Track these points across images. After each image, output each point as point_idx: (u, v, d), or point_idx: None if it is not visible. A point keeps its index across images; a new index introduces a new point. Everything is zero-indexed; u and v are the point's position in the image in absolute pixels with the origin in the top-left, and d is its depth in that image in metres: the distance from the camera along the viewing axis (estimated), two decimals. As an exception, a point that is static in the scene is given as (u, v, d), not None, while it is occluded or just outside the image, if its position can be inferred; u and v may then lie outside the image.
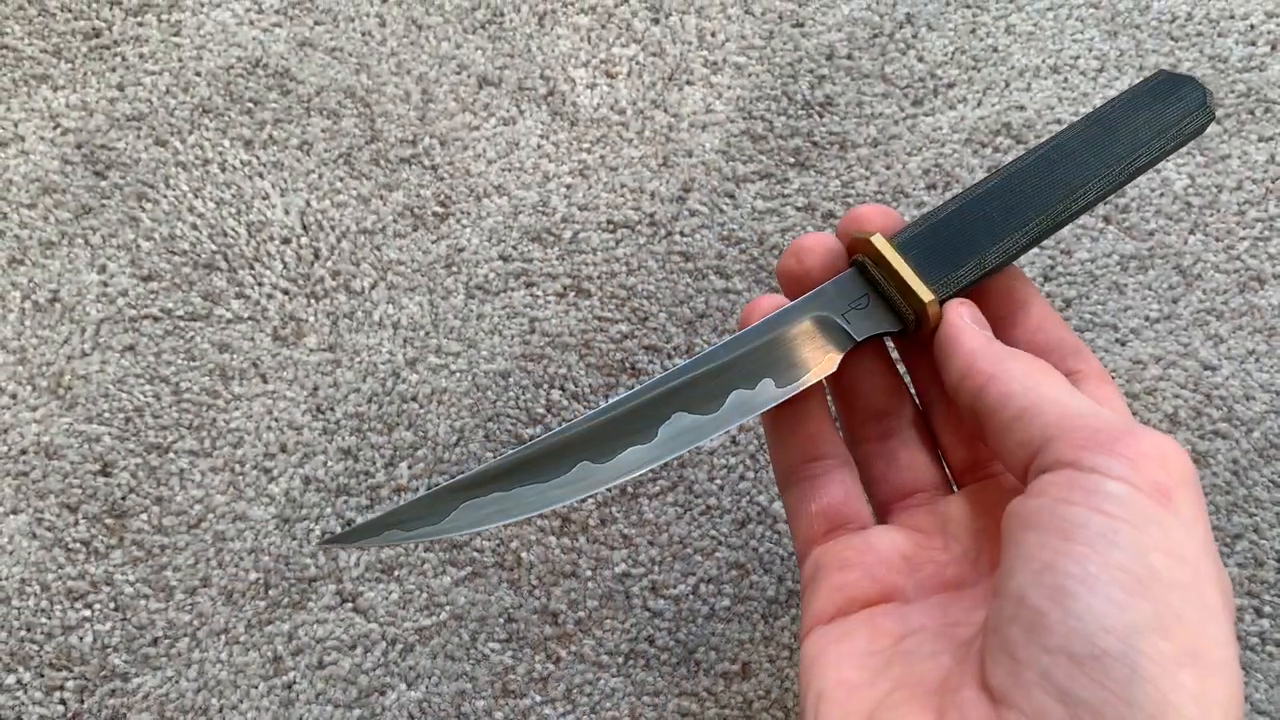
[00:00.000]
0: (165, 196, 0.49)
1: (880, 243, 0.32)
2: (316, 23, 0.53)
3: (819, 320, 0.32)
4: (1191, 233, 0.48)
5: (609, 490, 0.44)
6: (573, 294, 0.48)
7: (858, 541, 0.31)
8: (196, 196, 0.49)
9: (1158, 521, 0.24)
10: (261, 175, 0.50)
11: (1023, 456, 0.27)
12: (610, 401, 0.31)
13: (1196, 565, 0.24)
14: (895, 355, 0.35)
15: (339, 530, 0.44)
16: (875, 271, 0.32)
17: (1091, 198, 0.33)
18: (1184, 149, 0.49)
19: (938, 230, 0.32)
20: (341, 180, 0.50)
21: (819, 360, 0.32)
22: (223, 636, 0.42)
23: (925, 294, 0.31)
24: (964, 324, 0.31)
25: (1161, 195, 0.49)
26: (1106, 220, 0.48)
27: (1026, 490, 0.26)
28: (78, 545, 0.44)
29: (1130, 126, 0.33)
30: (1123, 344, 0.46)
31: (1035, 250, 0.48)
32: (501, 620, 0.43)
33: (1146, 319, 0.47)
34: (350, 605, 0.43)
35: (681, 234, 0.49)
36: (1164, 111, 0.33)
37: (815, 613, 0.30)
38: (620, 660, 0.42)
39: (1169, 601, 0.23)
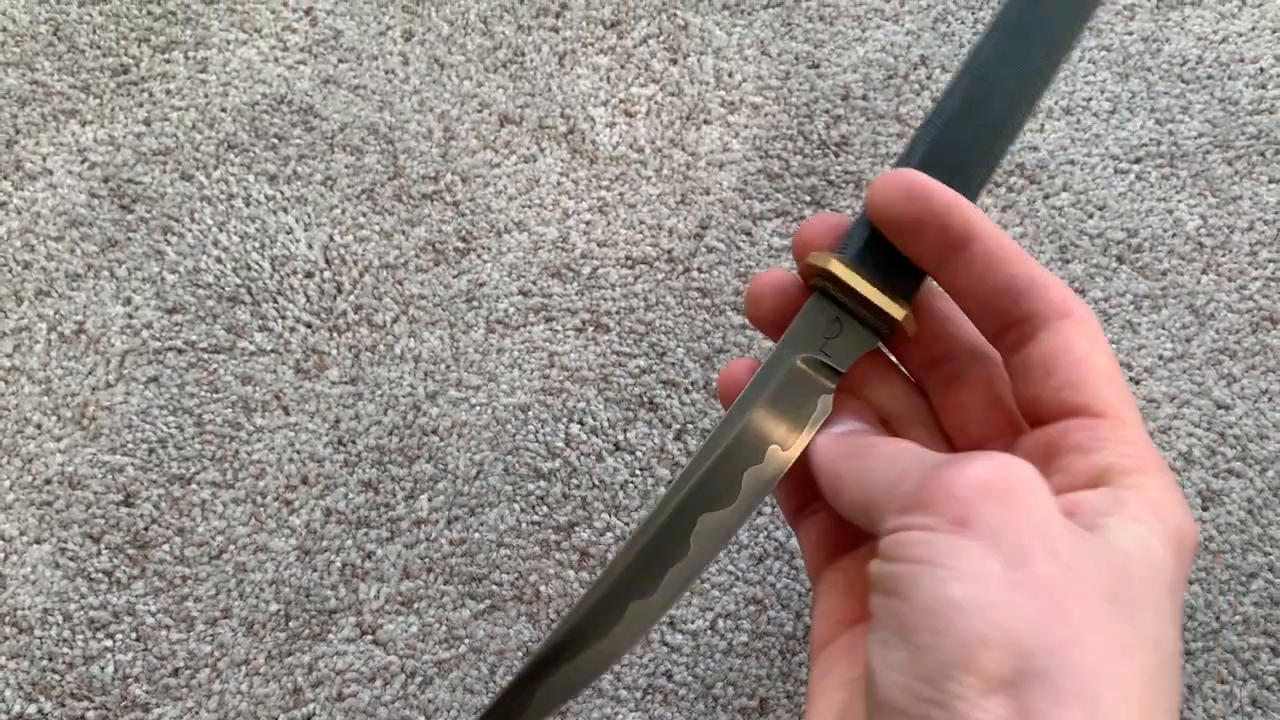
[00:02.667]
0: (190, 230, 0.50)
1: (836, 267, 0.30)
2: (340, 60, 0.54)
3: (799, 365, 0.31)
4: (1204, 273, 0.49)
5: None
6: (591, 329, 0.48)
7: (846, 565, 0.32)
8: (221, 230, 0.50)
9: (955, 551, 0.23)
10: (285, 210, 0.51)
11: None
12: (635, 530, 0.31)
13: (1011, 576, 0.23)
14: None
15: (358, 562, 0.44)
16: (838, 293, 0.30)
17: (1024, 121, 0.30)
18: (1196, 190, 0.50)
19: None
20: (364, 215, 0.50)
21: (813, 406, 0.31)
22: (243, 668, 0.43)
23: (896, 311, 0.29)
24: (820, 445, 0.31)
25: (1174, 236, 0.49)
26: (1120, 260, 0.49)
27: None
28: (100, 575, 0.44)
29: (1040, 22, 0.30)
30: (1137, 383, 0.47)
31: (1049, 289, 0.48)
32: (520, 654, 0.43)
33: (1160, 358, 0.47)
34: (370, 638, 0.43)
35: (699, 270, 0.49)
36: None
37: (815, 643, 0.31)
38: (638, 695, 0.43)
39: (975, 630, 0.22)
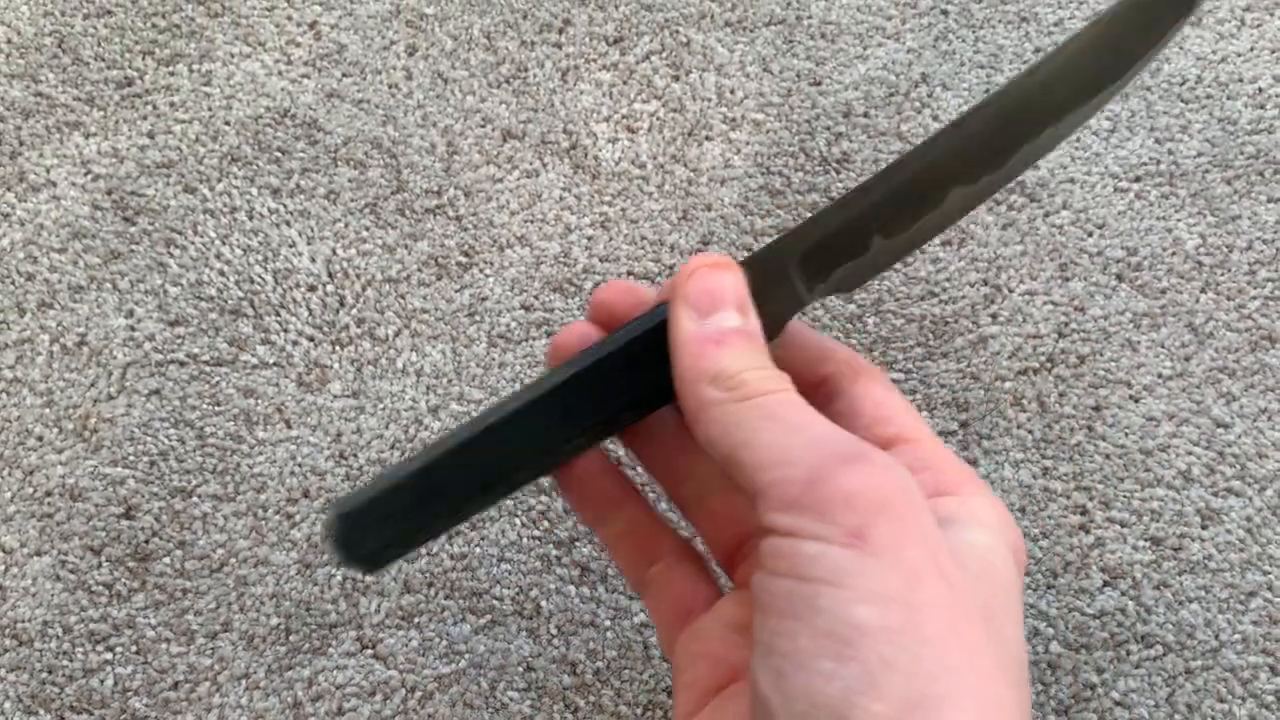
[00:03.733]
0: (193, 243, 0.50)
1: None
2: (344, 75, 0.54)
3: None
4: (1203, 291, 0.49)
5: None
6: (593, 344, 0.48)
7: (702, 627, 0.30)
8: (224, 243, 0.50)
9: (855, 569, 0.22)
10: (288, 223, 0.51)
11: (747, 497, 0.25)
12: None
13: (908, 599, 0.22)
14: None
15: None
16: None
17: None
18: (1195, 209, 0.50)
19: None
20: (367, 229, 0.51)
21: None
22: (243, 681, 0.43)
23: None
24: (682, 316, 0.27)
25: (1173, 254, 0.50)
26: (1119, 278, 0.49)
27: (758, 558, 0.24)
28: (100, 588, 0.44)
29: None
30: (1136, 401, 0.47)
31: (1049, 307, 0.48)
32: (520, 669, 0.43)
33: (1159, 376, 0.47)
34: (370, 652, 0.43)
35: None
36: None
37: (680, 716, 0.29)
38: (639, 711, 0.43)
39: (880, 654, 0.21)
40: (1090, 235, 0.50)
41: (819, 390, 0.30)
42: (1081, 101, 0.28)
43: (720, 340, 0.26)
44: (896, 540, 0.22)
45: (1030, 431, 0.46)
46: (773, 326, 0.28)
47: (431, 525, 0.31)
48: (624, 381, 0.30)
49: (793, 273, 0.29)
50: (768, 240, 0.50)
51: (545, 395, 0.31)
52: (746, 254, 0.50)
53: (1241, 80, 0.54)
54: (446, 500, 0.31)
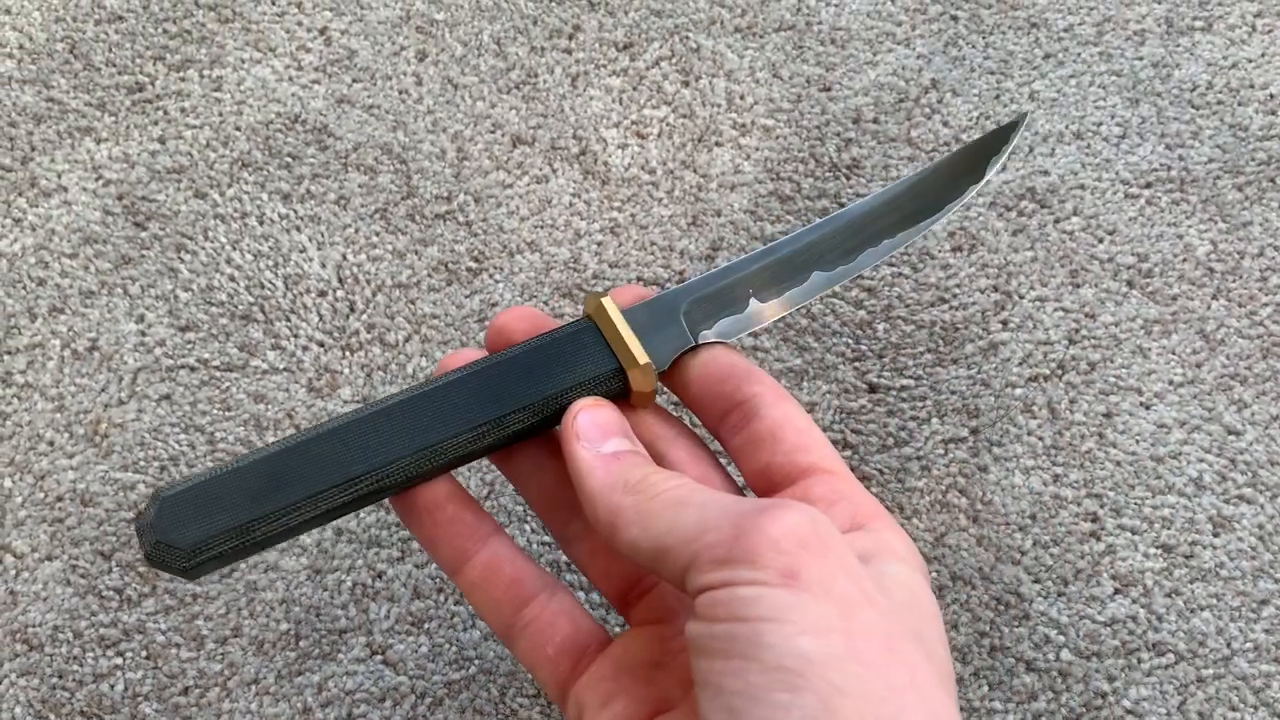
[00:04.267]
0: (204, 248, 0.50)
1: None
2: (354, 80, 0.54)
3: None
4: (1214, 298, 0.49)
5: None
6: (603, 350, 0.48)
7: (606, 666, 0.31)
8: (234, 249, 0.50)
9: (793, 604, 0.23)
10: (299, 229, 0.51)
11: (675, 582, 0.26)
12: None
13: (846, 627, 0.23)
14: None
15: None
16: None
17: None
18: (1206, 215, 0.50)
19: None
20: (378, 235, 0.51)
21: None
22: (253, 687, 0.43)
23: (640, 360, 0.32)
24: (578, 447, 0.30)
25: (1184, 261, 0.50)
26: (1130, 285, 0.49)
27: (692, 612, 0.25)
28: (111, 593, 0.44)
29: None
30: (1147, 408, 0.47)
31: (1060, 314, 0.48)
32: (530, 676, 0.43)
33: (1170, 383, 0.47)
34: (380, 658, 0.43)
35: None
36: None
37: None
38: (648, 717, 0.43)
39: (829, 681, 0.22)
40: (1101, 241, 0.50)
41: (740, 409, 0.32)
42: (906, 227, 0.36)
43: (619, 458, 0.29)
44: (826, 574, 0.24)
45: (1041, 438, 0.46)
46: (663, 359, 0.32)
47: (263, 525, 0.29)
48: (471, 400, 0.31)
49: (682, 317, 0.33)
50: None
51: (389, 407, 0.31)
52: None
53: (1253, 86, 0.54)
54: (280, 499, 0.29)
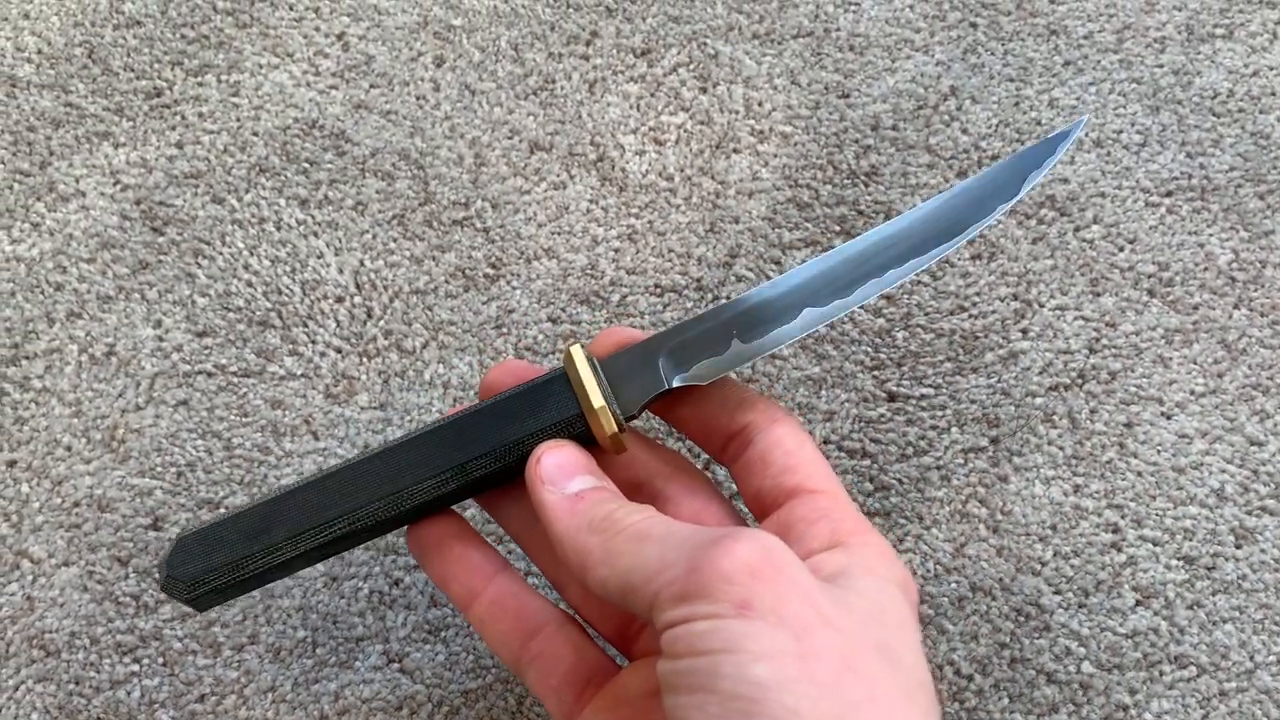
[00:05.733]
0: (221, 254, 0.50)
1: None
2: (372, 86, 0.54)
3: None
4: (1236, 307, 0.48)
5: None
6: (620, 357, 0.48)
7: (608, 698, 0.32)
8: (252, 254, 0.50)
9: (747, 634, 0.24)
10: (316, 234, 0.51)
11: (646, 618, 0.27)
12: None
13: (799, 650, 0.24)
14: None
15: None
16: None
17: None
18: (1227, 224, 0.50)
19: None
20: (395, 241, 0.51)
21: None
22: (269, 694, 0.43)
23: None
24: (543, 492, 0.31)
25: (1205, 270, 0.49)
26: (1151, 293, 0.49)
27: (660, 649, 0.26)
28: (128, 599, 0.44)
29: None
30: (1168, 418, 0.46)
31: (1080, 323, 0.48)
32: (547, 684, 0.43)
33: (1192, 393, 0.47)
34: (397, 666, 0.43)
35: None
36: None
37: None
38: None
39: (783, 704, 0.23)
40: (1121, 250, 0.50)
41: (738, 438, 0.33)
42: (915, 255, 0.35)
43: (583, 498, 0.30)
44: (778, 601, 0.25)
45: (1061, 448, 0.46)
46: (631, 403, 0.34)
47: (252, 563, 0.34)
48: (440, 448, 0.34)
49: (660, 360, 0.34)
50: (795, 253, 0.50)
51: (370, 457, 0.34)
52: (775, 267, 0.49)
53: (1274, 94, 0.53)
54: (266, 539, 0.34)
